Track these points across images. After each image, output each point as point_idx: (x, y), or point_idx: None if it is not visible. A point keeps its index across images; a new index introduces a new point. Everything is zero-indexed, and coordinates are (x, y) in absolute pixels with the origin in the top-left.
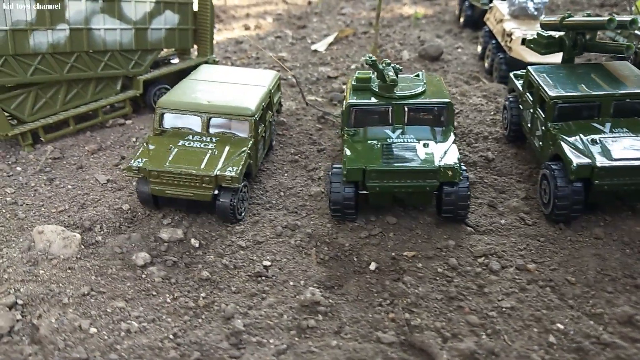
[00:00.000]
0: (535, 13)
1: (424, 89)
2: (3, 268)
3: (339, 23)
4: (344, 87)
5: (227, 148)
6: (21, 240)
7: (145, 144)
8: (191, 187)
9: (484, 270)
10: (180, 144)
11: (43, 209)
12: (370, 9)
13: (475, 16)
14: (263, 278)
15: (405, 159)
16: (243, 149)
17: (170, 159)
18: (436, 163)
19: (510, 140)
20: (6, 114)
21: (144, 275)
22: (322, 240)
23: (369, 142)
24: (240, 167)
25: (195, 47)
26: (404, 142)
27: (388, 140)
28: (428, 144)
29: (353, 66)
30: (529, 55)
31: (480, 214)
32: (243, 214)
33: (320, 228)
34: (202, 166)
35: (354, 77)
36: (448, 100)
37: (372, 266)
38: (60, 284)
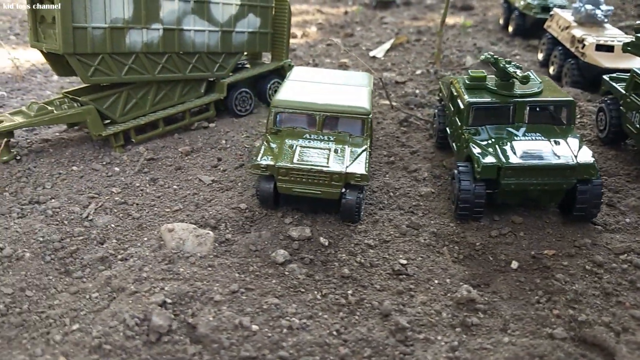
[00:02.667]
0: (606, 20)
1: (541, 87)
2: (138, 267)
3: (387, 31)
4: (435, 88)
5: (347, 147)
6: (145, 239)
7: (265, 142)
8: (320, 184)
9: (629, 266)
10: (300, 142)
11: (156, 209)
12: (410, 18)
13: (526, 25)
14: (404, 276)
15: (540, 156)
16: (364, 147)
17: (296, 157)
18: (572, 160)
19: (606, 142)
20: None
21: (286, 272)
22: (449, 239)
23: (494, 140)
24: (367, 165)
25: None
26: (532, 139)
27: (515, 138)
28: (559, 142)
29: (418, 72)
30: (604, 61)
31: (603, 213)
32: (362, 213)
33: (444, 227)
34: (330, 164)
35: (468, 76)
36: (571, 98)
37: (514, 265)
38: (205, 282)
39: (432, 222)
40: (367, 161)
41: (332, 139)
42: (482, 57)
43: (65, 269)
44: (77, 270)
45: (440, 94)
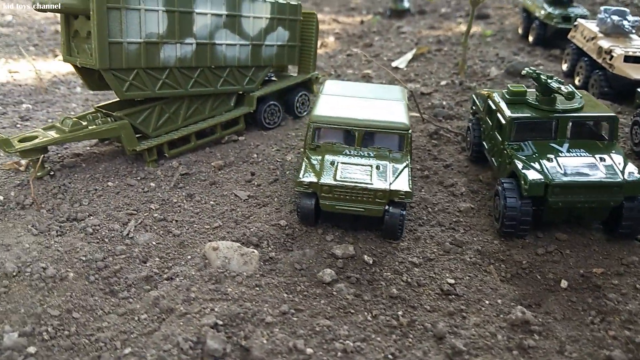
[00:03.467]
0: (633, 31)
1: (582, 102)
2: (185, 287)
3: (406, 41)
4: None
5: (388, 163)
6: (189, 257)
7: (305, 159)
8: (363, 202)
9: None
10: (341, 159)
11: (196, 225)
12: (427, 27)
13: (547, 34)
14: (454, 296)
15: (586, 173)
16: (405, 164)
17: (338, 174)
18: (620, 177)
19: None
20: None
21: (334, 292)
22: (495, 257)
23: (538, 156)
24: (410, 182)
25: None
26: (577, 156)
27: (560, 154)
28: (604, 158)
29: (443, 82)
30: (633, 72)
31: None
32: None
33: (488, 245)
34: (374, 181)
35: (507, 90)
36: (613, 114)
37: (564, 284)
38: (255, 302)
39: (475, 239)
40: (410, 178)
41: (372, 154)
42: (524, 71)
43: (110, 289)
44: (122, 291)
45: (474, 107)
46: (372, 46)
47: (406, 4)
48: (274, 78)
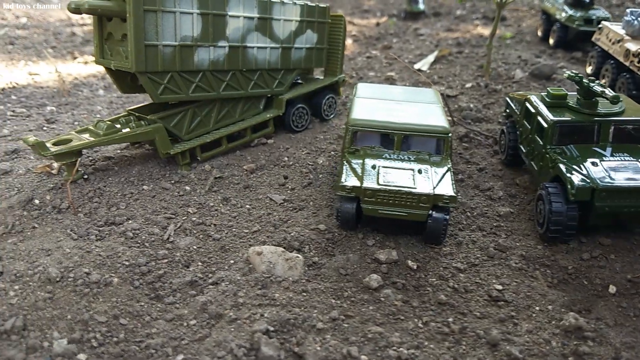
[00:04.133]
0: None
1: (623, 106)
2: (232, 292)
3: (426, 43)
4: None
5: (430, 167)
6: (232, 261)
7: (346, 163)
8: (407, 206)
9: None
10: (382, 162)
11: (234, 229)
12: (444, 30)
13: (568, 37)
14: (502, 302)
15: (633, 178)
16: (447, 168)
17: (381, 178)
18: None
19: None
20: None
21: (382, 298)
22: (539, 262)
23: (581, 159)
24: (454, 186)
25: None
26: (622, 160)
27: (604, 158)
28: None
29: (468, 85)
30: None
31: None
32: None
33: (532, 250)
34: (416, 185)
35: (546, 94)
36: None
37: (612, 289)
38: (303, 308)
39: (518, 244)
40: (453, 182)
41: (412, 158)
42: (566, 74)
43: (155, 294)
44: (168, 296)
45: (508, 110)
46: (391, 48)
47: (421, 6)
48: (299, 81)
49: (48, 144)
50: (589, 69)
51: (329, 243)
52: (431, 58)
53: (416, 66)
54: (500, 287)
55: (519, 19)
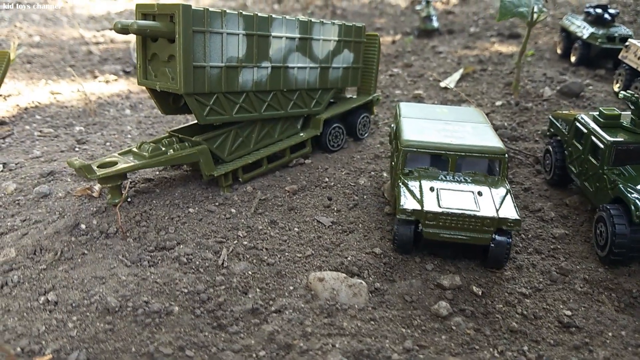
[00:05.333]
0: None
1: None
2: (298, 320)
3: (447, 61)
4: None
5: (488, 188)
6: (291, 287)
7: (402, 185)
8: (469, 230)
9: None
10: (439, 184)
11: (287, 254)
12: (462, 47)
13: (591, 54)
14: (574, 329)
15: None
16: (506, 189)
17: (442, 200)
18: None
19: None
20: None
21: (453, 327)
22: (603, 286)
23: None
24: (516, 208)
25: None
26: None
27: None
28: None
29: (498, 103)
30: None
31: None
32: None
33: (593, 273)
34: (480, 208)
35: (599, 113)
36: None
37: None
38: (374, 338)
39: (578, 267)
40: (515, 204)
41: (469, 180)
42: (621, 95)
43: (217, 323)
44: (231, 325)
45: (553, 129)
46: (412, 66)
47: (435, 24)
48: (332, 100)
49: (93, 167)
50: (616, 87)
51: (387, 267)
52: (457, 76)
53: (442, 84)
54: (569, 313)
55: (534, 35)
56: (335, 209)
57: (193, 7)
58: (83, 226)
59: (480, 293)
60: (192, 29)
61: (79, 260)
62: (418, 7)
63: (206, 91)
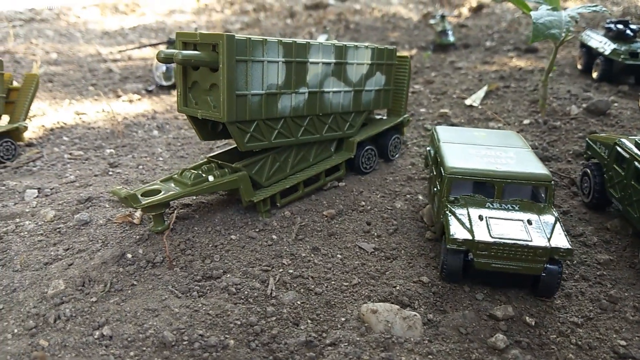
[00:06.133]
0: None
1: None
2: (355, 355)
3: (468, 77)
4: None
5: (537, 216)
6: (343, 319)
7: (449, 213)
8: (521, 259)
9: None
10: (487, 213)
11: (333, 282)
12: (481, 62)
13: (613, 70)
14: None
15: None
16: (555, 217)
17: (492, 230)
18: None
19: None
20: None
21: None
22: None
23: None
24: (567, 237)
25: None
26: None
27: None
28: None
29: (526, 121)
30: None
31: None
32: None
33: None
34: (532, 237)
35: None
36: None
37: None
38: None
39: (626, 294)
40: (565, 232)
41: (516, 207)
42: None
43: (273, 356)
44: (287, 358)
45: (590, 152)
46: (434, 83)
47: (451, 38)
48: (363, 122)
49: (138, 195)
50: None
51: (437, 297)
52: (481, 93)
53: (467, 101)
54: (623, 343)
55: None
56: (375, 234)
57: (236, 37)
58: (129, 255)
59: (533, 323)
60: (235, 58)
61: (129, 291)
62: (432, 21)
63: (247, 119)
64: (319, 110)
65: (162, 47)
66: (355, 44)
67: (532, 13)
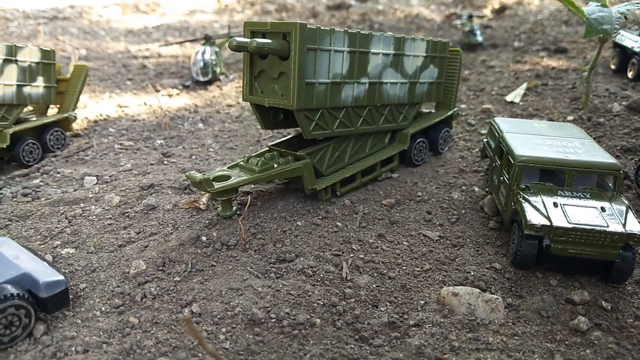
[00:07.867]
0: None
1: None
2: (442, 335)
3: (504, 75)
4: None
5: (609, 204)
6: (422, 302)
7: (523, 201)
8: (597, 245)
9: None
10: (561, 200)
11: (405, 268)
12: (513, 61)
13: None
14: None
15: None
16: (625, 205)
17: (568, 216)
18: None
19: None
20: None
21: (595, 341)
22: None
23: None
24: None
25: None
26: None
27: None
28: None
29: (570, 118)
30: None
31: None
32: None
33: None
34: (608, 224)
35: None
36: None
37: None
38: (523, 353)
39: None
40: (638, 220)
41: (587, 195)
42: None
43: (359, 335)
44: (372, 338)
45: None
46: (469, 80)
47: (479, 38)
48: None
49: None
50: None
51: (511, 283)
52: (521, 90)
53: (508, 98)
54: None
55: (581, 50)
56: (437, 222)
57: (307, 26)
58: (204, 238)
59: (609, 308)
60: (306, 47)
61: (210, 272)
62: (458, 22)
63: (313, 107)
64: (377, 100)
65: (200, 44)
66: (412, 36)
67: (584, 9)
